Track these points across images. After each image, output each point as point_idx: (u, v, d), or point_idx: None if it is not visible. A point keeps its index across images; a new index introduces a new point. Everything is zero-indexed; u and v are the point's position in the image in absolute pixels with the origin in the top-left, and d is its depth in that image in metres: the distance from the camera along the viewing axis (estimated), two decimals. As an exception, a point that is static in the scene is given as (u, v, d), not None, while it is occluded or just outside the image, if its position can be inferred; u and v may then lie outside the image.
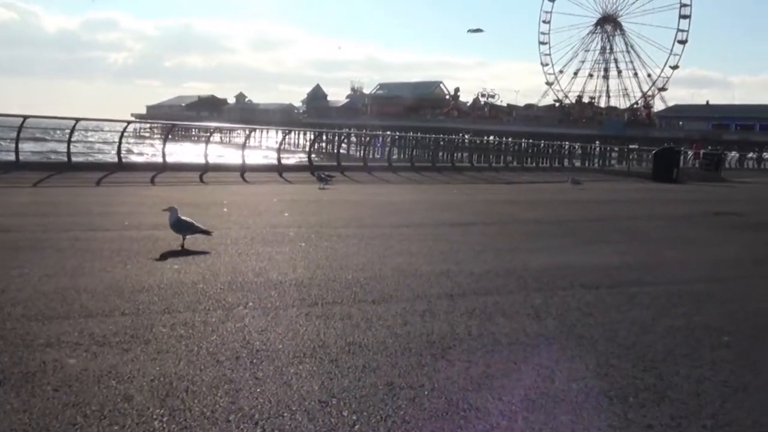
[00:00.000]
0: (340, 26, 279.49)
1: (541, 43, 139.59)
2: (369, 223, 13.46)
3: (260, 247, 9.83)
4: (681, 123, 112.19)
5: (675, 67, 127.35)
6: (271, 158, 36.74)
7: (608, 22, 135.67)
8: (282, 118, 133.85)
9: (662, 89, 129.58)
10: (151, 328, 5.69)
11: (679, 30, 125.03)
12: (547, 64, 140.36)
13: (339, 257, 9.28)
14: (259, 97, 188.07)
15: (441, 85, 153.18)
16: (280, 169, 28.20)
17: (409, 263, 9.06)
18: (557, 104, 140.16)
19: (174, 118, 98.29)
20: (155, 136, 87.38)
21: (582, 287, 8.03)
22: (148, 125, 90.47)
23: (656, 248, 11.89)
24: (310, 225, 12.57)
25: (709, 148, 59.60)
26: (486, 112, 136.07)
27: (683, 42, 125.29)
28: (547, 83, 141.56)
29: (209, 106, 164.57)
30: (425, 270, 8.63)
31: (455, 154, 44.43)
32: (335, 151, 48.83)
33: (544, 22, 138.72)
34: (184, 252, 9.06)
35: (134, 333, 5.53)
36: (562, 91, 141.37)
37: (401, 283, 7.77)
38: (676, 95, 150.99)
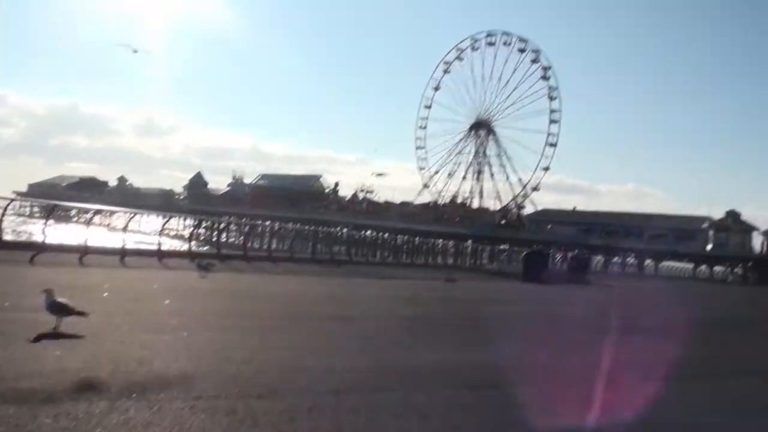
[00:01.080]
0: (226, 116, 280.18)
1: (418, 147, 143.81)
2: (250, 314, 13.51)
3: (142, 334, 9.77)
4: (549, 226, 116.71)
5: (546, 169, 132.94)
6: (152, 243, 36.14)
7: (482, 127, 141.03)
8: (162, 202, 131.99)
9: (535, 189, 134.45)
10: (35, 418, 5.61)
11: (549, 133, 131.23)
12: (423, 168, 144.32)
13: (222, 348, 9.32)
14: (141, 180, 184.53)
15: (321, 179, 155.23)
16: (160, 254, 27.79)
17: (293, 357, 9.20)
18: (432, 204, 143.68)
19: (55, 198, 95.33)
20: (36, 214, 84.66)
21: (463, 386, 8.33)
22: (26, 203, 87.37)
23: (532, 348, 12.35)
24: (192, 314, 12.52)
25: (576, 251, 62.13)
26: (364, 207, 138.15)
27: (554, 145, 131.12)
28: (425, 185, 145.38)
29: (90, 188, 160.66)
30: (309, 364, 8.77)
31: (334, 247, 44.73)
32: (215, 238, 48.47)
33: (420, 128, 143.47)
34: (65, 336, 8.90)
35: (18, 422, 5.45)
36: (438, 191, 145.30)
37: (286, 378, 7.89)
38: (546, 200, 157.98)
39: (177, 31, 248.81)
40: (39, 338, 8.67)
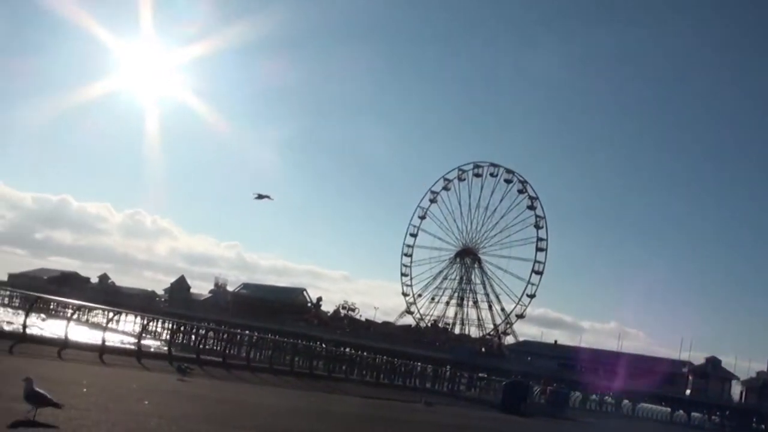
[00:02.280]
0: (213, 225, 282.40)
1: (403, 274, 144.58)
2: (229, 423, 13.55)
3: (121, 434, 9.88)
4: (529, 358, 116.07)
5: (532, 296, 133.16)
6: (130, 343, 36.10)
7: (468, 255, 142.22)
8: (144, 304, 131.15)
9: (520, 316, 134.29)
10: None
11: (536, 261, 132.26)
12: (407, 294, 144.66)
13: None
14: (123, 280, 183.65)
15: (304, 292, 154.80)
16: (139, 354, 27.73)
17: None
18: (414, 326, 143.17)
19: (35, 290, 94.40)
20: (15, 304, 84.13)
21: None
22: (7, 293, 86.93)
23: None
24: (171, 418, 12.51)
25: (555, 385, 61.78)
26: (345, 324, 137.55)
27: (540, 273, 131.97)
28: (407, 311, 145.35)
29: (72, 283, 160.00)
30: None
31: (313, 362, 44.53)
32: (194, 343, 48.26)
33: (405, 255, 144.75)
34: (40, 425, 9.03)
35: None
36: (420, 314, 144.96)
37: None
38: (529, 332, 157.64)
39: (169, 136, 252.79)
40: (16, 425, 8.80)
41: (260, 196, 54.08)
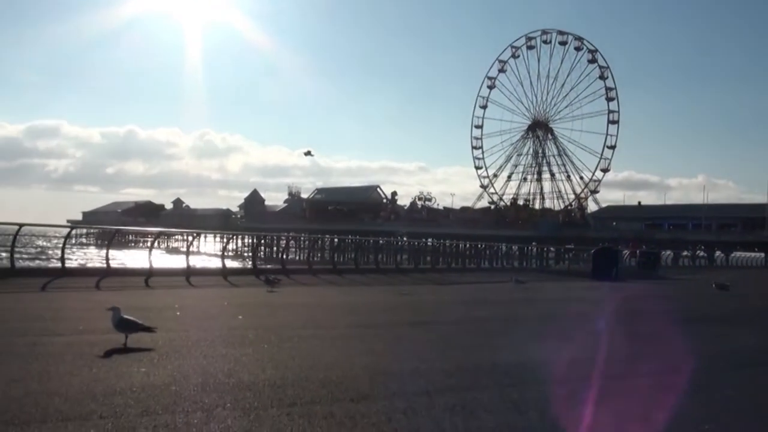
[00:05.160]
0: (283, 134, 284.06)
1: (474, 147, 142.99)
2: (326, 325, 13.38)
3: (223, 348, 9.67)
4: (614, 223, 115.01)
5: (606, 170, 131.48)
6: (214, 263, 36.46)
7: (540, 128, 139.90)
8: (219, 223, 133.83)
9: (594, 192, 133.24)
10: (134, 430, 5.53)
11: (608, 135, 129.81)
12: (480, 168, 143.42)
13: (305, 357, 9.16)
14: (197, 202, 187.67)
15: (378, 189, 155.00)
16: (224, 272, 27.90)
17: (377, 362, 9.00)
18: (492, 207, 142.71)
19: (111, 224, 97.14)
20: (93, 241, 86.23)
21: (554, 382, 8.06)
22: (85, 231, 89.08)
23: (615, 344, 11.97)
24: (268, 327, 12.38)
25: (644, 247, 61.00)
26: (423, 215, 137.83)
27: (612, 147, 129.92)
28: (482, 186, 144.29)
29: (146, 212, 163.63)
30: (395, 368, 8.59)
31: (397, 256, 44.58)
32: (276, 255, 48.67)
33: (476, 127, 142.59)
34: (150, 353, 8.86)
35: (118, 436, 5.37)
36: (497, 194, 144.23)
37: (375, 381, 7.70)
38: (615, 197, 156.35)
39: (230, 55, 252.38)
40: (109, 354, 8.73)
41: (308, 153, 55.31)
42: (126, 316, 9.48)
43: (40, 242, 33.81)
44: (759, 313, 20.77)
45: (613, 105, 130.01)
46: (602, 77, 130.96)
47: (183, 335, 10.63)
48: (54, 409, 6.07)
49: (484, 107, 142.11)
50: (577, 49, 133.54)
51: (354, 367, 8.50)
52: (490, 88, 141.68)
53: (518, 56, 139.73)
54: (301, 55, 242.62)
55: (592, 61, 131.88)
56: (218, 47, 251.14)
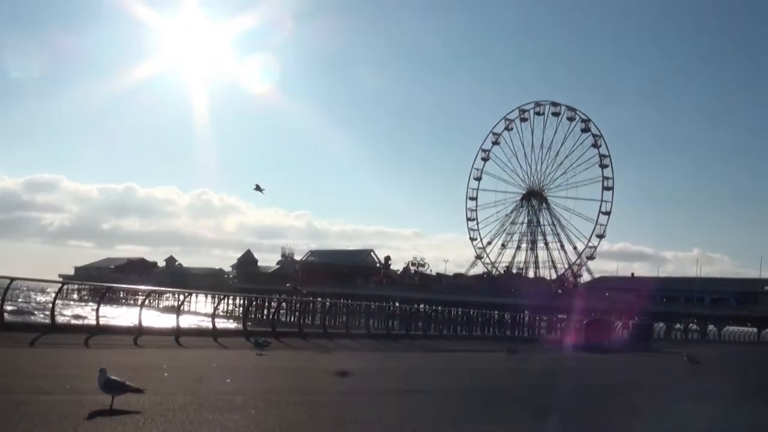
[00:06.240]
0: (280, 197, 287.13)
1: (469, 219, 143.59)
2: (314, 391, 13.25)
3: (209, 414, 9.56)
4: (607, 294, 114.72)
5: (602, 236, 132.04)
6: (204, 323, 36.28)
7: (534, 197, 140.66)
8: (212, 282, 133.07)
9: (590, 258, 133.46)
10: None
11: (603, 201, 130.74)
12: (475, 239, 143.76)
13: (292, 426, 9.07)
14: (191, 260, 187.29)
15: (372, 253, 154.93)
16: (214, 333, 27.70)
17: (365, 432, 8.94)
18: (486, 275, 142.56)
19: (102, 280, 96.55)
20: (84, 297, 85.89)
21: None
22: (76, 286, 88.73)
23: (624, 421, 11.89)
24: (256, 391, 12.29)
25: (636, 318, 60.78)
26: (416, 280, 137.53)
27: (608, 213, 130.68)
28: (477, 257, 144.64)
29: (138, 269, 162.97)
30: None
31: (389, 322, 44.32)
32: (267, 316, 48.41)
33: (470, 198, 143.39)
34: (135, 417, 8.76)
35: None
36: (491, 262, 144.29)
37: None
38: (609, 267, 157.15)
39: (231, 114, 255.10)
40: (92, 416, 8.64)
41: (257, 188, 54.95)
42: (113, 377, 9.35)
43: (31, 296, 33.68)
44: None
45: (607, 172, 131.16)
46: (596, 145, 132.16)
47: (170, 398, 10.51)
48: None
49: (479, 179, 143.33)
50: (570, 119, 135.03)
51: (343, 437, 8.43)
52: (485, 160, 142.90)
53: (512, 128, 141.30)
54: (307, 119, 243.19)
55: (585, 130, 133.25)
56: (221, 109, 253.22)
